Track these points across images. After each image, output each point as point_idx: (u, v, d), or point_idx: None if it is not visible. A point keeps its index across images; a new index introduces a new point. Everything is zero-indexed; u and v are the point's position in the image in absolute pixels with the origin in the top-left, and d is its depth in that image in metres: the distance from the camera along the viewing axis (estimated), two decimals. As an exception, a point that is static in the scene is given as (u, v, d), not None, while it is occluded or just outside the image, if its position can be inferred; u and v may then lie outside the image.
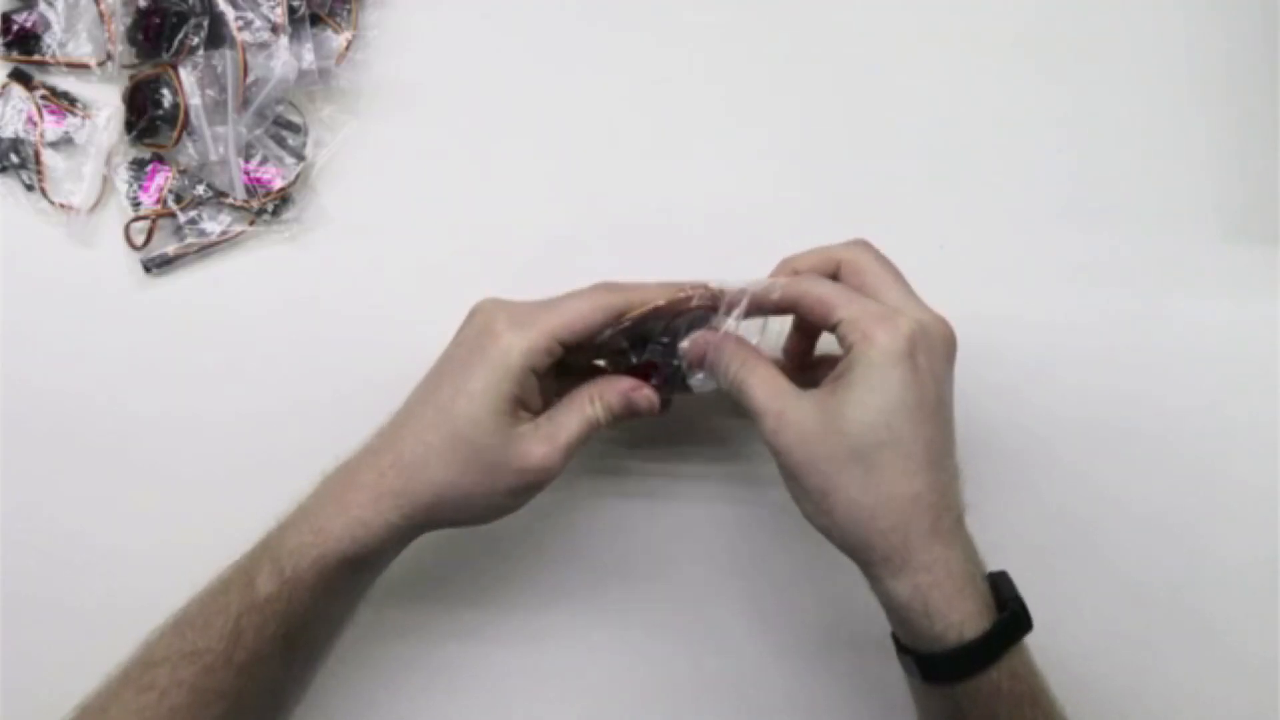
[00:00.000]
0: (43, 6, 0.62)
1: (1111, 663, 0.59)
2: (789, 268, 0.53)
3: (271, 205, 0.62)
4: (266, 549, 0.51)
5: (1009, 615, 0.48)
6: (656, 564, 0.61)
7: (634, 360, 0.54)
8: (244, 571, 0.50)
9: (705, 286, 0.51)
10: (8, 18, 0.62)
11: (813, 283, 0.51)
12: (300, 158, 0.63)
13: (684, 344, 0.52)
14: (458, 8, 0.66)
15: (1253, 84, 0.65)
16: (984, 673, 0.47)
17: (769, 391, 0.49)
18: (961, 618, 0.47)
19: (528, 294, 0.53)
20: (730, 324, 0.51)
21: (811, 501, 0.48)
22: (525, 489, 0.51)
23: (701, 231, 0.63)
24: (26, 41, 0.62)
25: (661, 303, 0.51)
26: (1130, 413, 0.62)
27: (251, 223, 0.62)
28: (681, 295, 0.51)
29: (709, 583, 0.61)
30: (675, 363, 0.53)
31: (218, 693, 0.49)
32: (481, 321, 0.51)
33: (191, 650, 0.49)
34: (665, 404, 0.54)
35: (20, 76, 0.63)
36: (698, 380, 0.53)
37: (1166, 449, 0.61)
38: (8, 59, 0.63)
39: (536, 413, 0.52)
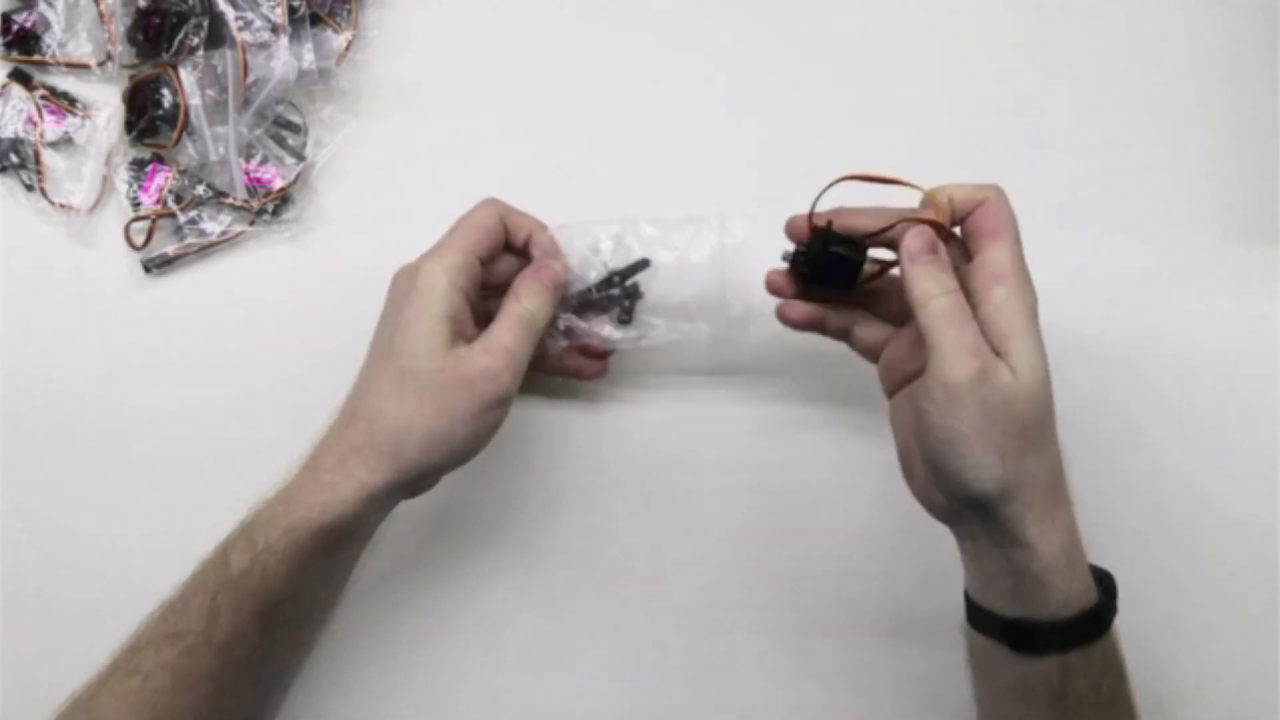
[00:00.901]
0: (43, 6, 0.62)
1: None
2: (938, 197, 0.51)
3: (272, 205, 0.62)
4: (242, 526, 0.51)
5: (1112, 583, 0.50)
6: (654, 558, 0.61)
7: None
8: (220, 549, 0.50)
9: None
10: (8, 18, 0.62)
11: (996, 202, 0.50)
12: (300, 158, 0.63)
13: (908, 238, 0.49)
14: (458, 8, 0.66)
15: (1253, 84, 0.65)
16: (1098, 640, 0.48)
17: (975, 332, 0.48)
18: (1087, 580, 0.48)
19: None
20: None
21: (982, 461, 0.46)
22: (483, 406, 0.50)
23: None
24: (26, 41, 0.63)
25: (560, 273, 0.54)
26: (1129, 412, 0.62)
27: (251, 223, 0.62)
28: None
29: (712, 567, 0.61)
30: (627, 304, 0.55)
31: (200, 674, 0.49)
32: (401, 276, 0.53)
33: (173, 632, 0.49)
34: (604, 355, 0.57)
35: (20, 76, 0.63)
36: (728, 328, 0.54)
37: (1166, 448, 0.61)
38: (8, 59, 0.63)
39: (475, 337, 0.52)
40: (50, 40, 0.62)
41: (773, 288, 0.55)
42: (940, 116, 0.65)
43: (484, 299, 0.54)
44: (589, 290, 0.56)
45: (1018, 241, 0.50)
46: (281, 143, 0.63)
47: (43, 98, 0.62)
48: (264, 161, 0.62)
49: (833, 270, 0.53)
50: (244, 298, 0.62)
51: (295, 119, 0.63)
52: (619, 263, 0.55)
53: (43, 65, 0.63)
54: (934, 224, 0.50)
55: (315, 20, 0.62)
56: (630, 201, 0.61)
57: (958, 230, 0.52)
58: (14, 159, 0.62)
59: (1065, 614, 0.48)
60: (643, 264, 0.55)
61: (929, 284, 0.48)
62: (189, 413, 0.61)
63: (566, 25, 0.66)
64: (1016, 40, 0.66)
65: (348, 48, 0.63)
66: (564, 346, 0.56)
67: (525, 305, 0.52)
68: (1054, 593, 0.47)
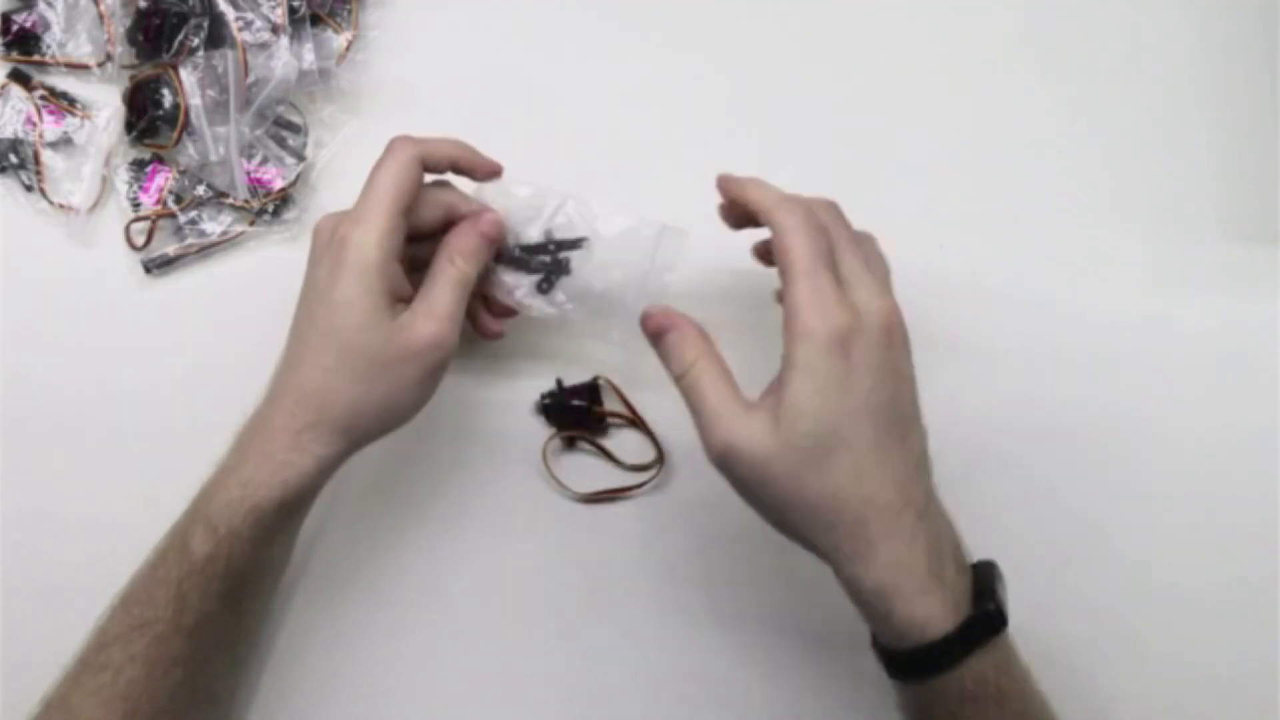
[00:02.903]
0: (42, 7, 0.62)
1: (1111, 662, 0.59)
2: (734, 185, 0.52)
3: (272, 205, 0.62)
4: (195, 512, 0.51)
5: (977, 615, 0.46)
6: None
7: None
8: (178, 538, 0.50)
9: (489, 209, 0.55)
10: (7, 18, 0.62)
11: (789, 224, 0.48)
12: (301, 158, 0.63)
13: (643, 309, 0.52)
14: (458, 8, 0.66)
15: (1253, 84, 0.65)
16: (948, 672, 0.46)
17: (719, 404, 0.47)
18: (925, 617, 0.46)
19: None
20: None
21: (769, 513, 0.48)
22: (429, 372, 0.51)
23: (701, 231, 0.63)
24: (26, 42, 0.62)
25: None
26: (1129, 412, 0.62)
27: (252, 223, 0.62)
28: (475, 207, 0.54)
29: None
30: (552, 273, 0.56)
31: (172, 660, 0.49)
32: (326, 235, 0.52)
33: (139, 624, 0.49)
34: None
35: (19, 77, 0.63)
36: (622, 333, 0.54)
37: (1166, 449, 0.62)
38: (7, 59, 0.63)
39: (410, 299, 0.52)
40: (50, 40, 0.62)
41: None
42: (940, 116, 0.65)
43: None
44: (520, 249, 0.56)
45: (805, 273, 0.47)
46: (282, 143, 0.63)
47: (42, 98, 0.62)
48: (264, 162, 0.62)
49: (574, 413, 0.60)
50: (244, 298, 0.62)
51: (295, 119, 0.63)
52: (560, 231, 0.56)
53: (42, 65, 0.63)
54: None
55: (315, 20, 0.62)
56: (631, 202, 0.61)
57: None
58: (13, 159, 0.62)
59: (902, 646, 0.46)
60: (580, 241, 0.56)
61: (665, 358, 0.51)
62: (190, 413, 0.61)
63: (567, 25, 0.66)
64: (1016, 40, 0.66)
65: (348, 48, 0.63)
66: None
67: (461, 268, 0.52)
68: (894, 623, 0.46)
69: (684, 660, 0.59)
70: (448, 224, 0.54)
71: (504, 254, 0.56)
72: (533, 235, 0.56)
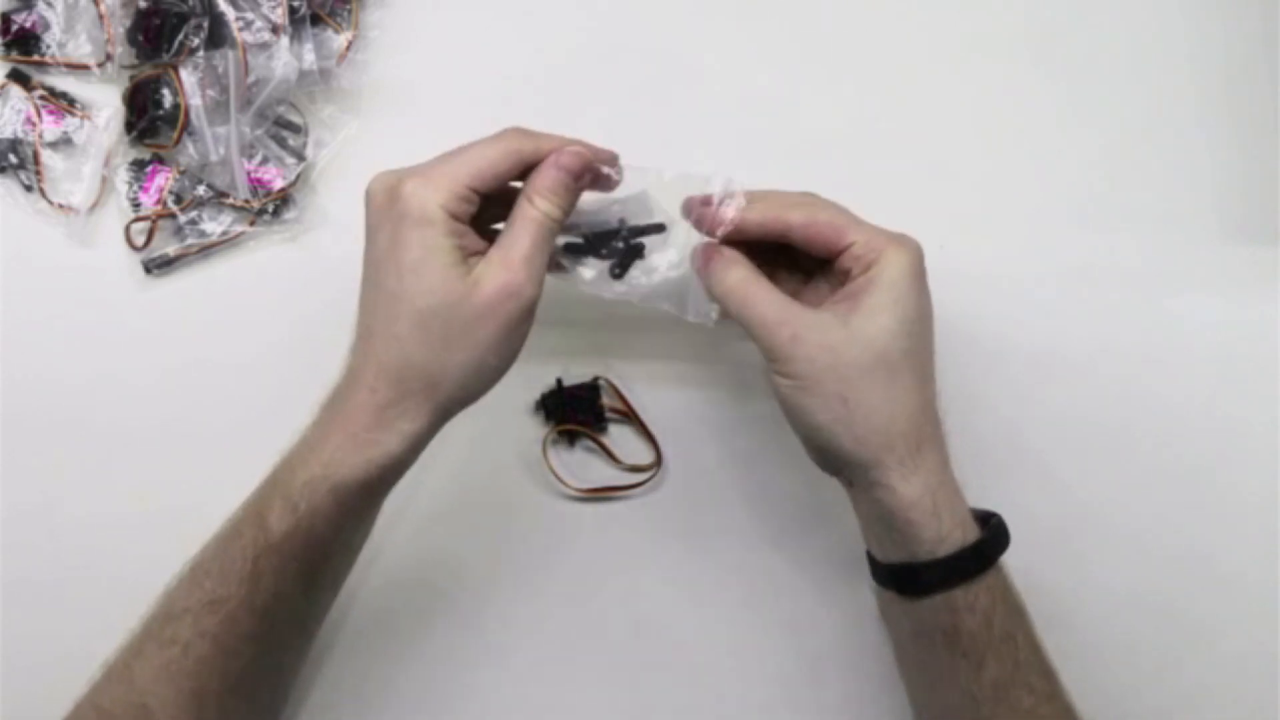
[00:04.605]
0: (42, 7, 0.62)
1: (1110, 662, 0.59)
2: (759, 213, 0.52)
3: (272, 205, 0.62)
4: (276, 487, 0.49)
5: (999, 521, 0.51)
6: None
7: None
8: (255, 513, 0.49)
9: (613, 158, 0.52)
10: (7, 18, 0.62)
11: (818, 206, 0.52)
12: (301, 158, 0.62)
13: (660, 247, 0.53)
14: (458, 8, 0.66)
15: (1253, 84, 0.65)
16: (982, 577, 0.49)
17: (779, 304, 0.50)
18: (963, 518, 0.49)
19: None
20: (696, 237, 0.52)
21: (829, 410, 0.49)
22: (510, 326, 0.48)
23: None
24: (26, 42, 0.62)
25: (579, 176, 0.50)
26: (1130, 412, 0.62)
27: (252, 223, 0.62)
28: (602, 170, 0.51)
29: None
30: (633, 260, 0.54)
31: (243, 638, 0.48)
32: (384, 197, 0.49)
33: (211, 599, 0.48)
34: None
35: (18, 77, 0.62)
36: (697, 309, 0.54)
37: (1166, 448, 0.62)
38: (7, 59, 0.62)
39: (483, 250, 0.49)
40: (50, 40, 0.62)
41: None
42: (940, 116, 0.65)
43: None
44: (592, 234, 0.54)
45: (860, 223, 0.51)
46: (282, 143, 0.63)
47: (41, 98, 0.62)
48: (264, 162, 0.62)
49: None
50: (244, 298, 0.62)
51: (296, 119, 0.63)
52: (634, 216, 0.54)
53: (42, 65, 0.63)
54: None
55: (316, 20, 0.62)
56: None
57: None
58: (13, 159, 0.62)
59: (940, 552, 0.49)
60: (657, 228, 0.54)
61: (717, 283, 0.51)
62: (190, 413, 0.61)
63: (567, 25, 0.66)
64: (1016, 40, 0.66)
65: (348, 48, 0.63)
66: None
67: (540, 207, 0.49)
68: (923, 531, 0.49)
69: (681, 659, 0.59)
70: (521, 175, 0.50)
71: (574, 235, 0.54)
72: (604, 220, 0.54)
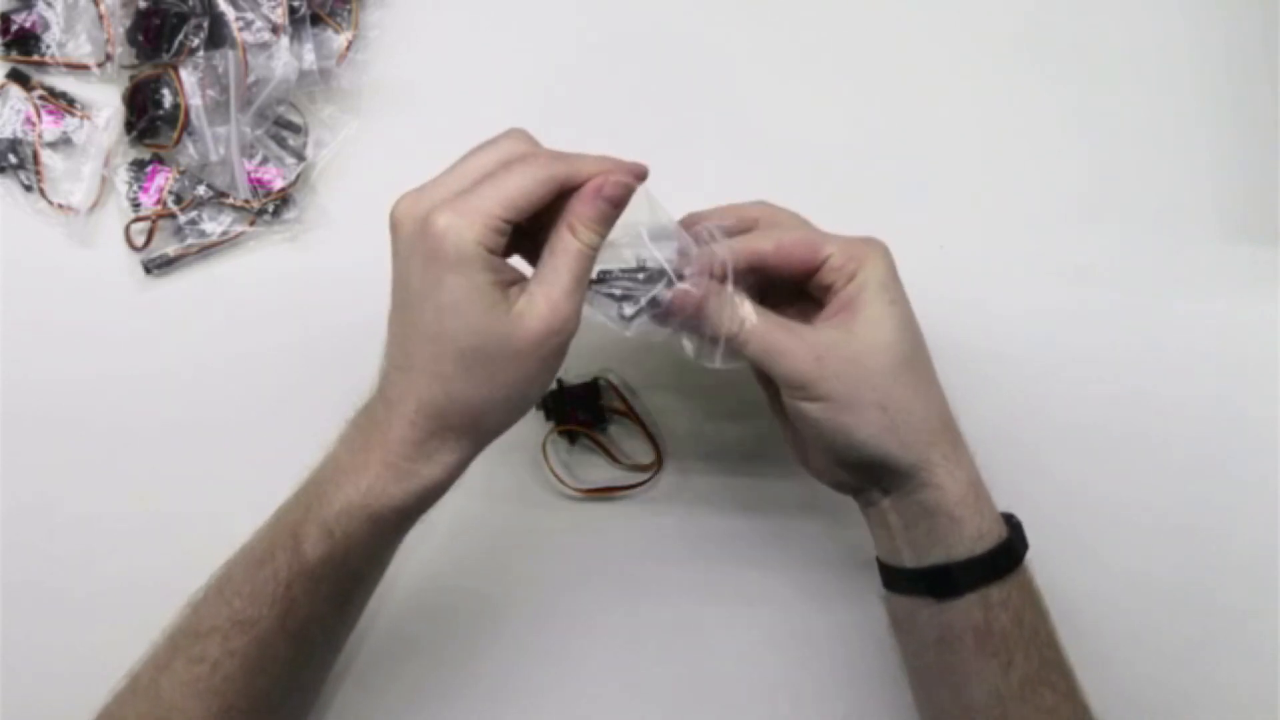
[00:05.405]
0: (42, 7, 0.62)
1: (1111, 662, 0.59)
2: (697, 220, 0.52)
3: (272, 205, 0.62)
4: (309, 510, 0.48)
5: (1017, 520, 0.52)
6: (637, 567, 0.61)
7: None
8: (289, 535, 0.48)
9: (643, 173, 0.49)
10: (7, 18, 0.62)
11: (784, 228, 0.52)
12: (301, 158, 0.62)
13: (666, 295, 0.50)
14: (458, 8, 0.66)
15: (1253, 84, 0.65)
16: (1014, 574, 0.49)
17: (794, 331, 0.49)
18: (995, 514, 0.50)
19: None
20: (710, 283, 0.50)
21: (871, 422, 0.48)
22: (553, 358, 0.47)
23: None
24: (25, 42, 0.62)
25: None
26: (1130, 412, 0.62)
27: (252, 223, 0.62)
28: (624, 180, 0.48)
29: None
30: (651, 295, 0.51)
31: (273, 660, 0.48)
32: (413, 228, 0.46)
33: (241, 620, 0.47)
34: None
35: (18, 77, 0.62)
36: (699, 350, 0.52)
37: (1166, 449, 0.62)
38: (6, 59, 0.63)
39: (520, 278, 0.47)
40: (49, 40, 0.62)
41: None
42: (940, 116, 0.65)
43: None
44: (613, 273, 0.51)
45: (819, 233, 0.52)
46: (282, 143, 0.63)
47: (40, 98, 0.62)
48: (264, 162, 0.62)
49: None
50: (244, 298, 0.62)
51: (296, 119, 0.63)
52: (649, 259, 0.51)
53: (42, 65, 0.63)
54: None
55: (316, 20, 0.62)
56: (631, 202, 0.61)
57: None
58: (12, 159, 0.62)
59: (981, 548, 0.49)
60: (663, 274, 0.51)
61: (724, 321, 0.50)
62: (190, 413, 0.61)
63: (567, 24, 0.66)
64: (1017, 40, 0.66)
65: (348, 48, 0.63)
66: None
67: (584, 239, 0.47)
68: (967, 528, 0.49)
69: (681, 658, 0.60)
70: (558, 198, 0.47)
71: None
72: (627, 257, 0.51)
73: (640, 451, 0.61)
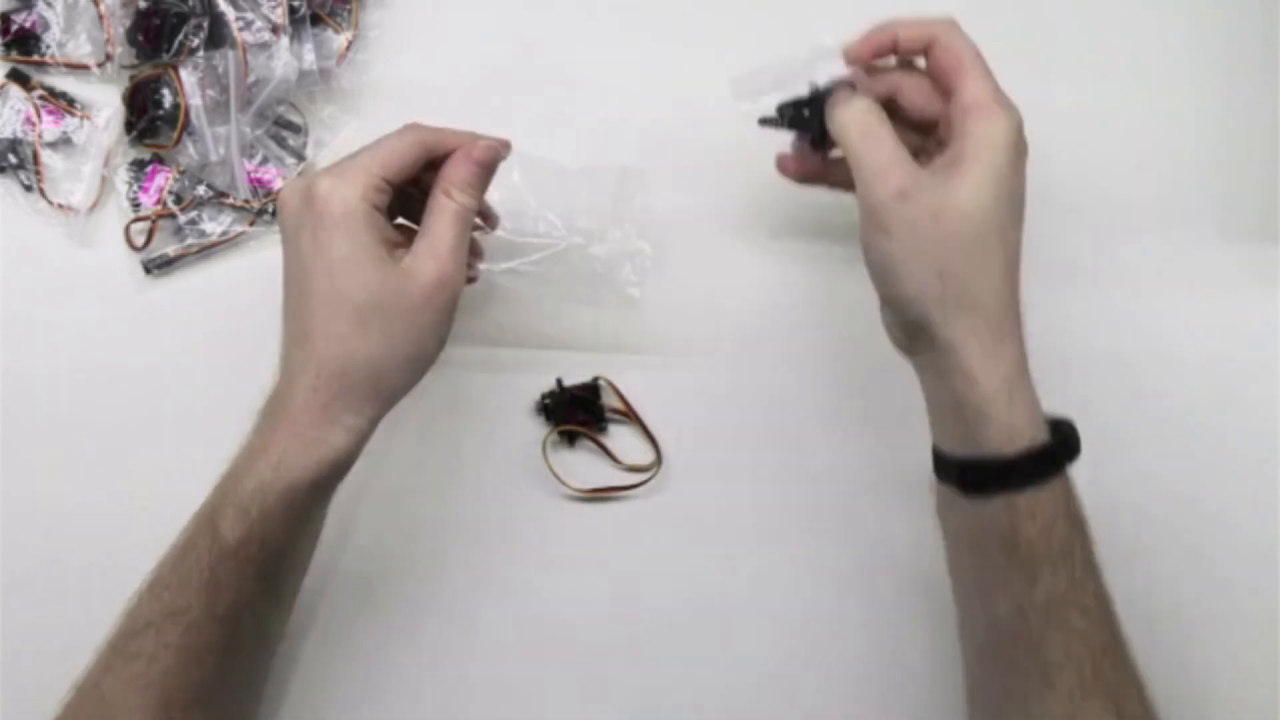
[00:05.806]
0: (42, 7, 0.62)
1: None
2: (883, 31, 0.53)
3: (272, 205, 0.62)
4: (225, 495, 0.49)
5: (1070, 428, 0.49)
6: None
7: None
8: (207, 522, 0.49)
9: (507, 145, 0.53)
10: (7, 18, 0.62)
11: (955, 32, 0.51)
12: (301, 158, 0.63)
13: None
14: (458, 8, 0.66)
15: (1253, 84, 0.65)
16: (1047, 484, 0.47)
17: (897, 152, 0.48)
18: (1036, 419, 0.48)
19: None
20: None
21: (923, 283, 0.47)
22: (443, 313, 0.50)
23: (706, 230, 0.63)
24: (25, 42, 0.62)
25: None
26: (1130, 412, 0.62)
27: (252, 223, 0.62)
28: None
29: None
30: None
31: (207, 647, 0.48)
32: (298, 200, 0.49)
33: (171, 611, 0.48)
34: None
35: (18, 77, 0.63)
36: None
37: (1166, 449, 0.62)
38: (6, 59, 0.63)
39: (403, 242, 0.51)
40: (49, 40, 0.62)
41: (782, 167, 0.56)
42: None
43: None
44: (784, 105, 0.53)
45: (982, 73, 0.50)
46: (282, 143, 0.63)
47: (40, 98, 0.62)
48: (264, 162, 0.62)
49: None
50: (244, 298, 0.62)
51: (296, 119, 0.63)
52: (821, 76, 0.53)
53: (42, 65, 0.63)
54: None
55: (316, 20, 0.62)
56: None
57: (921, 61, 0.53)
58: (12, 159, 0.62)
59: (1007, 451, 0.47)
60: (848, 85, 0.52)
61: (839, 114, 0.50)
62: (189, 413, 0.61)
63: (566, 24, 0.66)
64: (1016, 40, 0.66)
65: (348, 48, 0.63)
66: None
67: (459, 200, 0.50)
68: (995, 426, 0.47)
69: (682, 658, 0.60)
70: (429, 166, 0.52)
71: (766, 117, 0.54)
72: (795, 89, 0.53)
73: (640, 451, 0.61)
